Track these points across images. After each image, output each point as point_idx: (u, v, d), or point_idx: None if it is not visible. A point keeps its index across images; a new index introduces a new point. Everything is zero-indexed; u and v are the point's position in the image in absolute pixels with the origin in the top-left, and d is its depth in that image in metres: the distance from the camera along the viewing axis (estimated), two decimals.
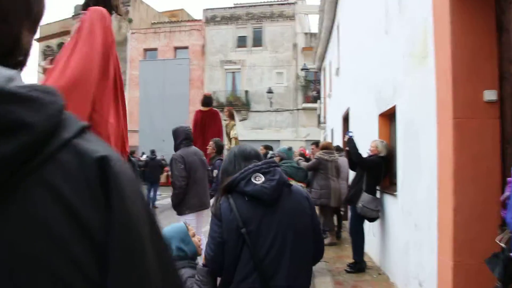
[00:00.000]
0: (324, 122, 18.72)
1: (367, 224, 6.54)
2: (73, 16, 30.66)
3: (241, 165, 2.42)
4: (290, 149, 7.73)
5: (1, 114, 0.53)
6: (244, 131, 23.20)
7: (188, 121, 26.19)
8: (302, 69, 23.95)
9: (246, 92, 28.02)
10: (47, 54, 5.69)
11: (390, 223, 5.97)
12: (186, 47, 29.41)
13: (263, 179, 2.29)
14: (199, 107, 9.59)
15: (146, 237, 0.64)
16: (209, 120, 9.04)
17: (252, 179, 2.29)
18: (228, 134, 10.03)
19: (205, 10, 29.08)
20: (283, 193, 2.34)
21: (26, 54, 0.70)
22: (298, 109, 27.33)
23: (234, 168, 2.44)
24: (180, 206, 6.00)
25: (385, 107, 6.11)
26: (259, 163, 2.39)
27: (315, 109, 23.19)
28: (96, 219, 0.59)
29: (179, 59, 29.11)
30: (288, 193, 2.37)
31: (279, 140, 25.41)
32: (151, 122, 27.93)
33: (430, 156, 4.10)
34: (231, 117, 10.62)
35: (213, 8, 29.06)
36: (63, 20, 32.44)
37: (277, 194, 2.30)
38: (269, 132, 27.03)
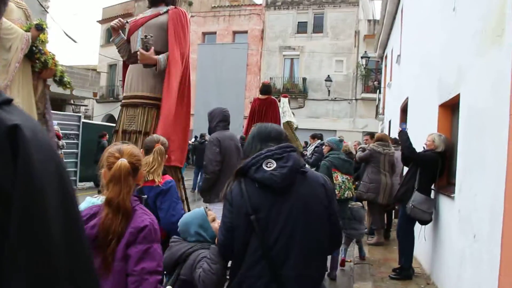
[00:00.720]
0: (382, 114, 17.74)
1: (417, 226, 5.83)
2: None
3: (257, 147, 2.33)
4: (341, 141, 7.16)
5: None
6: (300, 120, 22.47)
7: (243, 107, 26.05)
8: (362, 57, 22.87)
9: (304, 79, 27.21)
10: (149, 43, 5.86)
11: (445, 228, 5.24)
12: (245, 32, 28.94)
13: (274, 165, 2.18)
14: (255, 92, 9.54)
15: (50, 197, 0.77)
16: (266, 108, 8.86)
17: (263, 165, 2.19)
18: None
19: None
20: (296, 180, 2.22)
21: None
22: (356, 99, 26.26)
23: (251, 150, 2.35)
24: (210, 192, 5.57)
25: (447, 96, 5.35)
26: (273, 148, 2.26)
27: (374, 99, 22.14)
28: (4, 175, 0.72)
29: (237, 44, 28.73)
30: (302, 180, 2.24)
31: (335, 130, 24.54)
32: (206, 106, 27.42)
33: (498, 155, 3.38)
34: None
35: None
36: (125, 2, 32.89)
37: (288, 181, 2.18)
38: (326, 121, 26.14)
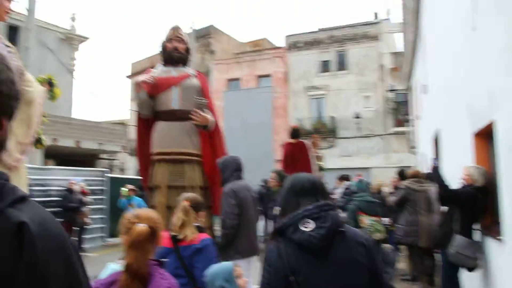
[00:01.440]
0: (416, 147, 16.98)
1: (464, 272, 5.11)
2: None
3: (293, 202, 2.26)
4: (361, 181, 6.76)
5: None
6: (331, 159, 21.89)
7: (271, 151, 25.62)
8: (388, 90, 22.32)
9: (332, 118, 26.72)
10: (202, 104, 6.23)
11: (497, 276, 4.52)
12: (268, 75, 28.93)
13: (312, 226, 2.12)
14: (283, 136, 9.36)
15: (53, 282, 0.93)
16: (297, 153, 8.77)
17: (300, 226, 2.13)
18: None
19: (287, 36, 28.48)
20: (335, 240, 2.13)
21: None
22: (388, 134, 25.48)
23: (288, 206, 2.29)
24: (228, 249, 5.10)
25: (481, 124, 4.76)
26: (310, 207, 2.17)
27: (406, 133, 21.41)
28: (9, 263, 0.88)
29: (262, 88, 28.68)
30: (340, 240, 2.15)
31: (369, 168, 23.77)
32: (235, 153, 27.29)
33: None
34: (315, 146, 10.14)
35: (295, 34, 28.37)
36: (152, 56, 33.64)
37: (327, 242, 2.11)
38: (358, 159, 25.34)
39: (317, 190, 2.28)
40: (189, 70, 5.31)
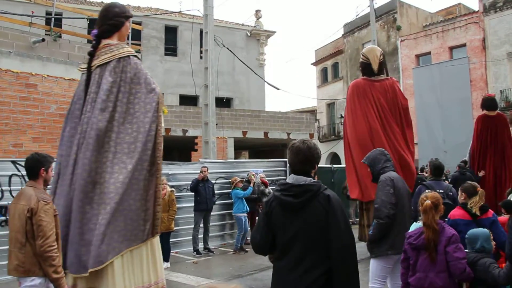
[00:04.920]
0: None
1: None
2: (343, 35, 31.32)
3: None
4: None
5: (309, 189, 2.92)
6: None
7: (471, 129, 23.08)
8: None
9: None
10: None
11: None
12: (463, 45, 26.03)
13: None
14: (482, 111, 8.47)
15: (342, 221, 2.81)
16: (494, 127, 8.01)
17: None
18: None
19: None
20: None
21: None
22: None
23: None
24: (381, 243, 4.73)
25: None
26: None
27: None
28: (323, 218, 2.80)
29: (456, 60, 26.00)
30: None
31: None
32: (430, 133, 25.71)
33: None
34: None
35: None
36: (335, 40, 33.42)
37: None
38: None
39: None
40: None
